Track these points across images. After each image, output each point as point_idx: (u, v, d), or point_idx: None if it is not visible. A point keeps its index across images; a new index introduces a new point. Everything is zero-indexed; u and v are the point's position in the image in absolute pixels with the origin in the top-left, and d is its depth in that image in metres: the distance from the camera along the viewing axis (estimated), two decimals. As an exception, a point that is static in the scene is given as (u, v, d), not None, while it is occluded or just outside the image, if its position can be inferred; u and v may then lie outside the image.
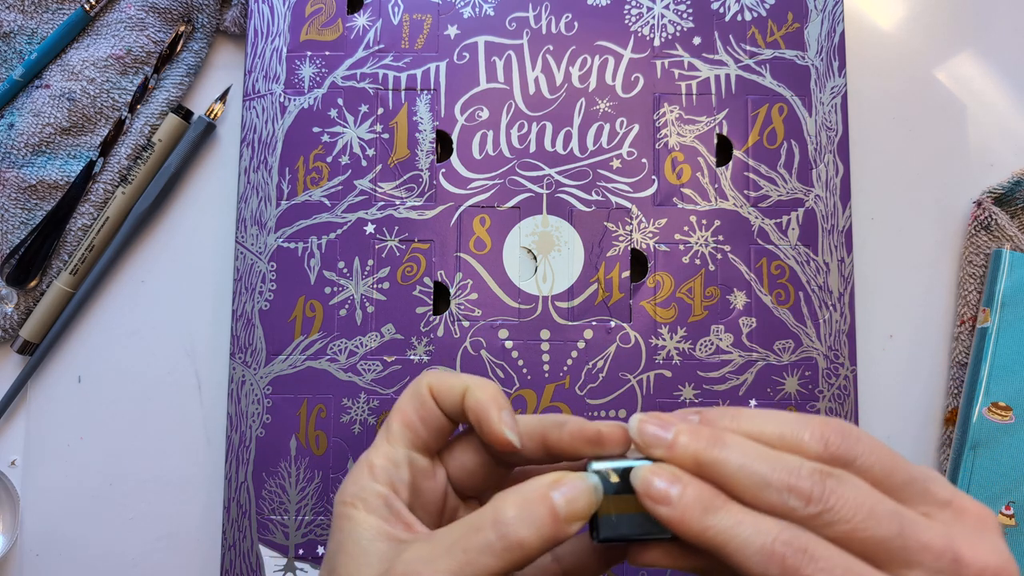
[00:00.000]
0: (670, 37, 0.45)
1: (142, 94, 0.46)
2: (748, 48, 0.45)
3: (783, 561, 0.21)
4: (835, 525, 0.21)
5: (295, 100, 0.45)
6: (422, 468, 0.28)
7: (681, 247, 0.44)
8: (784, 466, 0.22)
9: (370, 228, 0.44)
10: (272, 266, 0.44)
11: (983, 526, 0.23)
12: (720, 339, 0.43)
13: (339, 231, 0.44)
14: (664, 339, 0.43)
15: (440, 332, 0.43)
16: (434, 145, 0.44)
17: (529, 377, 0.43)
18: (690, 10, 0.45)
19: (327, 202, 0.44)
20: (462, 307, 0.43)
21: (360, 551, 0.25)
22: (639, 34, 0.45)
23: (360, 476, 0.26)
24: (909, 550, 0.21)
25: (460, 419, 0.28)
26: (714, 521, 0.22)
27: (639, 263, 0.44)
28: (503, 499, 0.24)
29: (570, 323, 0.43)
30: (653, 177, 0.44)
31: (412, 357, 0.43)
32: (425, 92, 0.45)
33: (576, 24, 0.45)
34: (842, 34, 0.45)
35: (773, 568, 0.21)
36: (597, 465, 0.24)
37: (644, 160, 0.44)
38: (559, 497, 0.23)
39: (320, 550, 0.42)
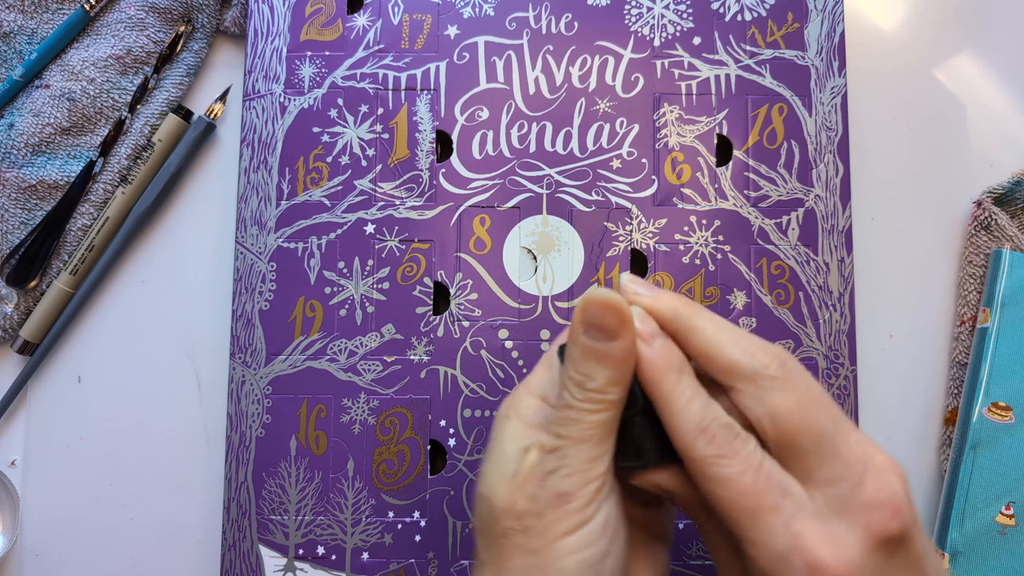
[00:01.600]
0: (670, 37, 0.45)
1: (142, 94, 0.46)
2: (748, 48, 0.45)
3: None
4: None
5: (295, 100, 0.45)
6: None
7: (681, 247, 0.44)
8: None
9: (370, 228, 0.44)
10: (272, 266, 0.44)
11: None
12: (720, 339, 0.43)
13: (339, 231, 0.44)
14: (664, 339, 0.43)
15: (440, 332, 0.43)
16: (434, 145, 0.44)
17: (529, 377, 0.43)
18: (690, 10, 0.45)
19: (327, 202, 0.44)
20: (462, 307, 0.43)
21: (502, 456, 0.27)
22: (639, 34, 0.45)
23: (517, 390, 0.29)
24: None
25: None
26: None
27: (639, 263, 0.44)
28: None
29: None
30: (653, 177, 0.44)
31: (412, 357, 0.43)
32: (425, 92, 0.45)
33: (576, 24, 0.45)
34: (842, 34, 0.45)
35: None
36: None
37: (644, 160, 0.44)
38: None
39: (320, 550, 0.42)
